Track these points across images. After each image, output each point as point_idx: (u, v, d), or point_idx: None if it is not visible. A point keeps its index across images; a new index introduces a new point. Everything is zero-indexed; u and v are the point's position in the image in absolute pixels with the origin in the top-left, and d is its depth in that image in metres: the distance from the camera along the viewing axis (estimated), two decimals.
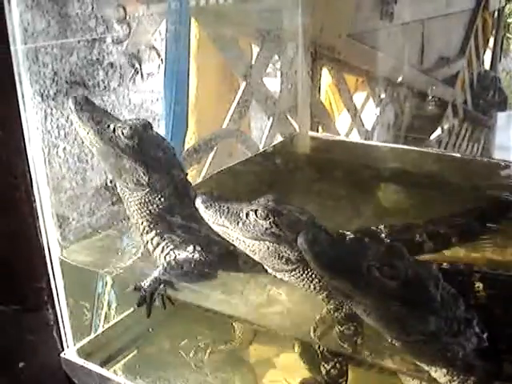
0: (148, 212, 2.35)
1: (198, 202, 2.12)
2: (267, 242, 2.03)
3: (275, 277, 2.14)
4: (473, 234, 2.73)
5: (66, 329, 2.69)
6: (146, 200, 2.33)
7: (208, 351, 2.75)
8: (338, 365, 2.22)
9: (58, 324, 2.70)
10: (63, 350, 2.72)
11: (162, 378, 2.65)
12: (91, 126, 2.25)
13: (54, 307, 2.72)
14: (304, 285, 2.09)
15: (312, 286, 2.08)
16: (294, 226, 2.02)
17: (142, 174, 2.28)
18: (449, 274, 2.01)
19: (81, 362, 2.67)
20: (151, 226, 2.37)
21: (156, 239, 2.38)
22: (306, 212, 2.11)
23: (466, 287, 2.02)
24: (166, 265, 2.34)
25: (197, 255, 2.31)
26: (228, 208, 2.08)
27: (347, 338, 2.05)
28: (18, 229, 2.82)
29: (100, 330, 2.79)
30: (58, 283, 2.62)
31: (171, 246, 2.35)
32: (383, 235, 2.50)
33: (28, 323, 2.81)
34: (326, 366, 2.24)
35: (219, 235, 2.16)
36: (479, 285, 2.03)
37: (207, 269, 2.33)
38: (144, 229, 2.38)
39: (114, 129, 2.26)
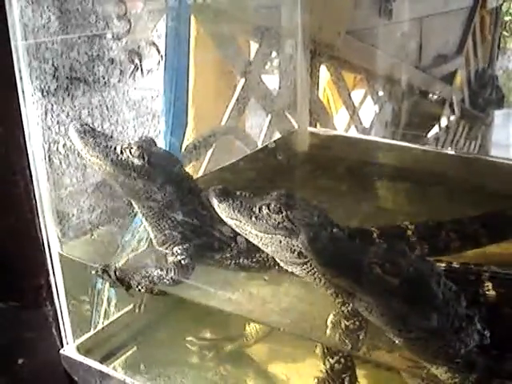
0: (163, 225, 2.39)
1: (212, 197, 2.15)
2: (279, 236, 2.06)
3: (279, 272, 2.17)
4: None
5: (65, 325, 2.69)
6: (161, 214, 2.37)
7: (212, 348, 2.75)
8: (342, 359, 2.23)
9: (57, 320, 2.70)
10: (63, 346, 2.72)
11: (162, 374, 2.65)
12: (98, 151, 2.26)
13: (53, 304, 2.72)
14: (315, 279, 2.11)
15: (322, 281, 2.10)
16: (306, 220, 2.06)
17: (155, 190, 2.31)
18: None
19: (80, 358, 2.68)
20: (167, 237, 2.41)
21: (170, 247, 2.42)
22: (317, 207, 2.15)
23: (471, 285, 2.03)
24: (179, 271, 2.36)
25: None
26: (241, 202, 2.11)
27: (352, 333, 2.06)
28: (17, 225, 2.82)
29: (100, 327, 2.78)
30: (57, 280, 2.62)
31: (186, 256, 2.38)
32: (410, 232, 2.52)
33: (27, 320, 2.81)
34: (330, 360, 2.25)
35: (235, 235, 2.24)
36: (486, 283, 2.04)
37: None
38: (162, 242, 2.42)
39: (122, 150, 2.28)
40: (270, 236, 2.08)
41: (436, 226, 2.60)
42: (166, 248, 2.42)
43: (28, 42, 2.27)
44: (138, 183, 2.29)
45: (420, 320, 1.76)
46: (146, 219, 2.41)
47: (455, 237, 2.54)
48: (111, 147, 2.28)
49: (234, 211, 2.10)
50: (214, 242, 2.39)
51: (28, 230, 2.72)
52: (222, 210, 2.13)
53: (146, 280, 2.37)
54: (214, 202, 2.14)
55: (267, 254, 2.26)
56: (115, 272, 2.43)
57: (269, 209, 2.07)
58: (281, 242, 2.07)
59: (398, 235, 2.51)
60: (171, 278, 2.33)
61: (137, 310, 2.80)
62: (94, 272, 2.45)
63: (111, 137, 2.38)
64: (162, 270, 2.34)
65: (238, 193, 2.17)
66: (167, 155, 2.44)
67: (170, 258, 2.37)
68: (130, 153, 2.27)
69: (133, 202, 2.43)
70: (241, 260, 2.38)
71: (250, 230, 2.11)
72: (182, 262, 2.35)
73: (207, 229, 2.40)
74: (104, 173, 2.32)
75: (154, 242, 2.45)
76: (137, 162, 2.27)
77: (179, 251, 2.37)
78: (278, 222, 2.06)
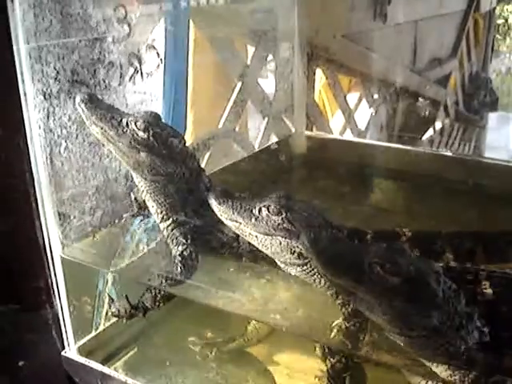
0: (165, 200, 2.41)
1: (211, 198, 2.16)
2: (279, 237, 2.07)
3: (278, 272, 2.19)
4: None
5: (66, 327, 2.70)
6: (164, 189, 2.38)
7: (213, 348, 2.76)
8: (343, 359, 2.24)
9: (58, 322, 2.71)
10: (64, 348, 2.73)
11: (164, 375, 2.66)
12: (105, 122, 2.28)
13: (53, 306, 2.73)
14: (315, 280, 2.12)
15: (322, 281, 2.11)
16: (305, 221, 2.07)
17: (159, 164, 2.32)
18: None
19: (82, 360, 2.68)
20: (168, 213, 2.43)
21: (172, 226, 2.43)
22: (316, 208, 2.16)
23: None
24: (178, 253, 2.38)
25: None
26: (241, 204, 2.12)
27: (353, 334, 2.07)
28: (17, 228, 2.83)
29: (101, 328, 2.79)
30: (58, 281, 2.63)
31: (183, 234, 2.41)
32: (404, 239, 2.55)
33: (27, 322, 2.81)
34: (331, 359, 2.26)
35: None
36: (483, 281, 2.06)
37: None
38: (162, 217, 2.44)
39: (127, 123, 2.29)
40: (269, 237, 2.09)
41: (433, 236, 2.64)
42: (168, 226, 2.43)
43: (30, 46, 2.28)
44: (141, 155, 2.30)
45: (421, 318, 1.78)
46: (149, 194, 2.42)
47: (449, 250, 2.57)
48: (117, 119, 2.29)
49: (233, 213, 2.12)
50: (215, 224, 2.37)
51: (28, 233, 2.72)
52: (221, 211, 2.15)
53: (157, 290, 2.44)
54: (214, 203, 2.16)
55: None
56: (128, 301, 2.50)
57: (268, 210, 2.09)
58: (280, 243, 2.08)
59: (392, 239, 2.53)
60: (181, 271, 2.34)
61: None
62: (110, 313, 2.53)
63: (118, 109, 2.39)
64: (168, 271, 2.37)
65: (237, 194, 2.19)
66: (172, 130, 2.43)
67: (174, 250, 2.39)
68: (136, 125, 2.28)
69: (134, 176, 2.43)
70: (242, 248, 2.40)
71: (249, 232, 2.12)
72: (185, 252, 2.36)
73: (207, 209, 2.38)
74: (108, 144, 2.33)
75: (156, 218, 2.47)
76: (142, 134, 2.28)
77: (181, 238, 2.39)
78: (278, 224, 2.07)
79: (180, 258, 2.36)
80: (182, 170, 2.38)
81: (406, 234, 2.52)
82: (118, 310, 2.55)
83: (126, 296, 2.53)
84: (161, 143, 2.32)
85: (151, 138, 2.29)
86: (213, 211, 2.22)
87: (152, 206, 2.45)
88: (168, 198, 2.40)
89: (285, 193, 2.17)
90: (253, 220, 2.10)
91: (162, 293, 2.48)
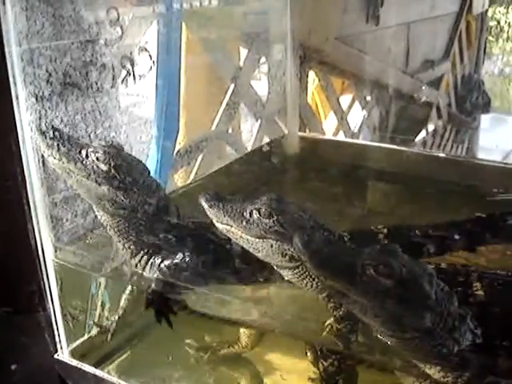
0: (132, 234, 2.33)
1: (202, 201, 2.15)
2: (270, 240, 2.07)
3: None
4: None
5: (59, 330, 2.69)
6: (128, 222, 2.31)
7: (208, 352, 2.75)
8: (336, 362, 2.25)
9: (51, 325, 2.70)
10: (57, 351, 2.72)
11: (156, 377, 2.66)
12: (62, 153, 2.21)
13: (45, 309, 2.72)
14: (306, 283, 2.12)
15: (314, 285, 2.11)
16: (297, 223, 2.06)
17: (121, 197, 2.24)
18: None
19: (75, 362, 2.68)
20: (137, 247, 2.36)
21: (145, 258, 2.37)
22: (307, 210, 2.15)
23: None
24: (159, 277, 2.36)
25: (187, 259, 2.33)
26: (231, 207, 2.11)
27: (344, 336, 2.08)
28: (9, 231, 2.81)
29: (94, 331, 2.78)
30: (51, 285, 2.62)
31: (159, 260, 2.35)
32: (381, 236, 2.55)
33: (20, 325, 2.80)
34: (323, 362, 2.26)
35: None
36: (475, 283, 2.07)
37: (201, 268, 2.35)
38: (132, 252, 2.37)
39: (87, 154, 2.22)
40: (261, 240, 2.08)
41: (408, 229, 2.65)
42: (139, 260, 2.38)
43: (22, 48, 2.28)
44: (103, 189, 2.22)
45: (414, 320, 1.79)
46: (112, 228, 2.34)
47: (429, 241, 2.58)
48: (76, 150, 2.22)
49: (224, 216, 2.10)
50: (186, 250, 2.35)
51: (20, 236, 2.71)
52: (212, 214, 2.13)
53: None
54: (205, 206, 2.14)
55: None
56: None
57: (259, 213, 2.08)
58: (272, 246, 2.07)
59: (371, 239, 2.54)
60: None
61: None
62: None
63: (78, 139, 2.33)
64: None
65: (228, 197, 2.17)
66: (134, 161, 2.35)
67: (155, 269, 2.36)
68: (97, 158, 2.21)
69: (96, 209, 2.35)
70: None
71: (240, 235, 2.11)
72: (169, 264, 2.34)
73: (179, 238, 2.37)
74: (69, 179, 2.27)
75: (126, 254, 2.39)
76: (102, 166, 2.21)
77: (159, 258, 2.35)
78: (269, 227, 2.07)
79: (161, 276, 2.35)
80: (146, 201, 2.30)
81: (383, 231, 2.52)
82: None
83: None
84: (122, 175, 2.24)
85: (112, 169, 2.22)
86: (186, 236, 2.25)
87: (119, 241, 2.37)
88: (135, 232, 2.32)
89: (276, 195, 2.16)
90: (244, 223, 2.09)
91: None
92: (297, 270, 2.09)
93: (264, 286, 2.35)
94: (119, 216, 2.29)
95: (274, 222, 2.07)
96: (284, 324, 2.20)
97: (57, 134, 2.25)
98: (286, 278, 2.16)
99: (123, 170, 2.25)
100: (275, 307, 2.26)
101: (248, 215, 2.09)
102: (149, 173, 2.38)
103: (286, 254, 2.06)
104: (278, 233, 2.06)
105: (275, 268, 2.17)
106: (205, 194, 2.17)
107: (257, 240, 2.08)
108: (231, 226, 2.10)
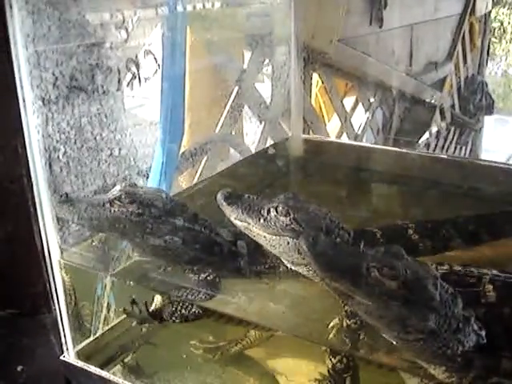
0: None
1: (220, 198, 2.20)
2: (287, 237, 2.11)
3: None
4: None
5: (65, 331, 2.69)
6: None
7: (214, 352, 2.76)
8: (344, 359, 2.26)
9: (57, 327, 2.71)
10: (62, 352, 2.73)
11: (163, 378, 2.66)
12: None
13: (51, 311, 2.73)
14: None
15: None
16: (313, 222, 2.12)
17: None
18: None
19: (81, 364, 2.68)
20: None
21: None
22: (323, 209, 2.20)
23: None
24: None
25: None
26: (249, 205, 2.17)
27: (353, 332, 2.09)
28: (15, 233, 2.84)
29: (100, 332, 2.79)
30: (57, 286, 2.63)
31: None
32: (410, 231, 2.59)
33: (26, 327, 2.82)
34: (332, 359, 2.28)
35: None
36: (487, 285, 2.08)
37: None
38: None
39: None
40: (277, 238, 2.13)
41: (435, 224, 2.68)
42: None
43: (29, 51, 2.29)
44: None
45: (418, 322, 1.80)
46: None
47: (455, 235, 2.62)
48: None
49: (242, 213, 2.16)
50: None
51: (26, 238, 2.73)
52: (230, 212, 2.19)
53: (181, 308, 2.44)
54: (223, 204, 2.19)
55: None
56: (146, 306, 2.50)
57: (276, 211, 2.13)
58: (288, 243, 2.12)
59: (400, 234, 2.59)
60: (205, 294, 2.35)
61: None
62: (121, 309, 2.54)
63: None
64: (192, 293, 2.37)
65: (246, 195, 2.23)
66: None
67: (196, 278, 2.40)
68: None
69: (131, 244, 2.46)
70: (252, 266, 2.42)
71: (258, 232, 2.16)
72: (208, 278, 2.37)
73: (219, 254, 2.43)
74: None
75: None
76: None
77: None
78: (286, 224, 2.12)
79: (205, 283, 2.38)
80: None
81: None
82: (134, 312, 2.56)
83: (146, 302, 2.53)
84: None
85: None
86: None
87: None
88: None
89: (293, 194, 2.22)
90: (261, 220, 2.14)
91: (184, 309, 2.48)
92: (311, 267, 2.12)
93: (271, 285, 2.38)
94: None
95: (290, 219, 2.12)
96: (291, 324, 2.21)
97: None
98: (302, 275, 2.20)
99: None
100: (282, 307, 2.27)
101: (265, 213, 2.15)
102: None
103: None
104: (294, 230, 2.11)
105: (289, 265, 2.21)
106: (223, 192, 2.22)
107: (274, 237, 2.13)
108: (249, 224, 2.16)
